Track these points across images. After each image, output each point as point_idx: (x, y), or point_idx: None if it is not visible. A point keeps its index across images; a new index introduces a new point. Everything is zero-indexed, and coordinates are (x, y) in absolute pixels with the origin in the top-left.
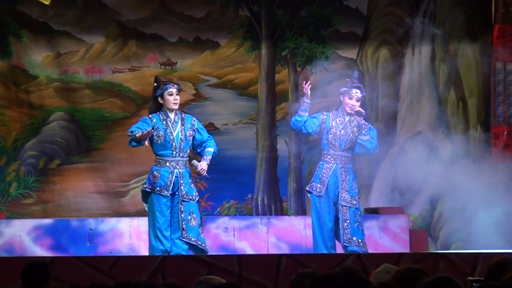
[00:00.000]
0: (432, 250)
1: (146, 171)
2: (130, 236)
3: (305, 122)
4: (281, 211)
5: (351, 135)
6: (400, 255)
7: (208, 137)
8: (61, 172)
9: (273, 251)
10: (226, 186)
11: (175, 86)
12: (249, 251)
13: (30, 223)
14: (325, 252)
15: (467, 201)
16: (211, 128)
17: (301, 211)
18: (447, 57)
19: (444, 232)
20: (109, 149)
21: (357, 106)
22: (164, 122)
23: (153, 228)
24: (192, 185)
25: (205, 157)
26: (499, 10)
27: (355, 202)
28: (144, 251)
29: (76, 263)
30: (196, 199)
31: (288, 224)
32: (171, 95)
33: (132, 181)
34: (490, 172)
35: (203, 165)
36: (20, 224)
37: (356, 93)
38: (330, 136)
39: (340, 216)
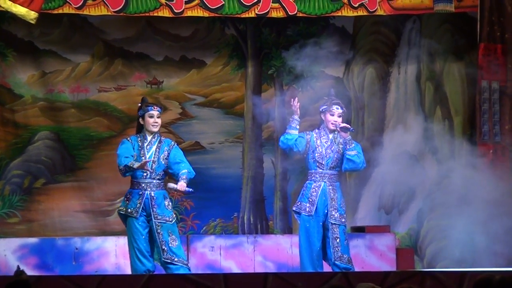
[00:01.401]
0: (419, 268)
1: None
2: (116, 255)
3: (295, 140)
4: (267, 230)
5: (337, 152)
6: (387, 274)
7: (183, 161)
8: (46, 191)
9: (259, 269)
10: (212, 205)
11: (157, 109)
12: (236, 270)
13: (15, 242)
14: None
15: (454, 219)
16: (197, 147)
17: (287, 229)
18: (433, 76)
19: (430, 250)
20: (94, 168)
21: (339, 122)
22: (140, 144)
23: (132, 250)
24: (169, 207)
25: (180, 178)
26: (484, 28)
27: (343, 220)
28: (130, 270)
29: (62, 282)
30: (173, 221)
31: (274, 243)
32: (151, 117)
33: (118, 200)
34: (477, 190)
35: (180, 184)
36: (5, 243)
37: (337, 109)
38: (316, 155)
39: (329, 234)
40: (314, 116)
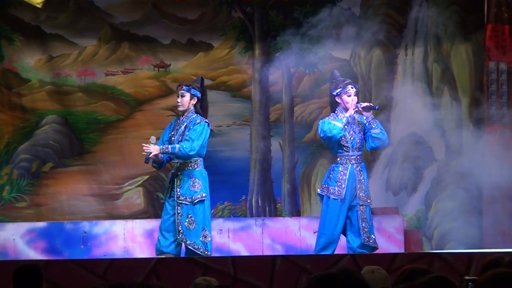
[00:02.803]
0: (427, 250)
1: (139, 173)
2: (124, 238)
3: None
4: (275, 213)
5: (359, 132)
6: (395, 255)
7: (191, 139)
8: (54, 175)
9: (267, 252)
10: (220, 188)
11: (183, 88)
12: (244, 252)
13: (23, 226)
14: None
15: (462, 200)
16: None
17: (295, 212)
18: (440, 57)
19: (438, 232)
20: (102, 152)
21: (356, 101)
22: (174, 124)
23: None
24: (194, 188)
25: (165, 146)
26: (492, 9)
27: (369, 200)
28: (139, 254)
29: (71, 266)
30: (196, 202)
31: (282, 225)
32: (177, 96)
33: (126, 184)
34: (484, 171)
35: (153, 148)
36: (13, 228)
37: (352, 88)
38: (341, 139)
39: (358, 215)
40: (322, 98)
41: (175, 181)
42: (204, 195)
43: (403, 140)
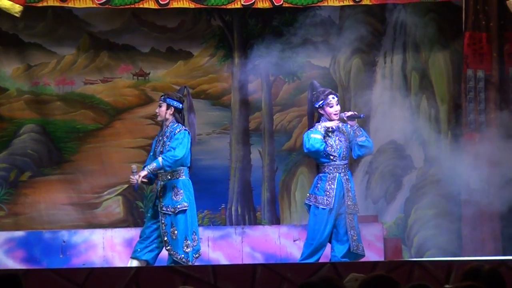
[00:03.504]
0: (407, 257)
1: (118, 182)
2: (103, 247)
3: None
4: (254, 221)
5: (344, 141)
6: (375, 264)
7: (173, 148)
8: (32, 185)
9: (247, 261)
10: (200, 196)
11: (160, 98)
12: (224, 261)
13: (2, 235)
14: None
15: (441, 208)
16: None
17: (275, 220)
18: (418, 65)
19: (418, 239)
20: (81, 161)
21: (339, 110)
22: (157, 137)
23: None
24: (177, 198)
25: (149, 166)
26: (470, 17)
27: (357, 208)
28: (118, 263)
29: (50, 275)
30: (178, 212)
31: (262, 233)
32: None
33: (105, 193)
34: (463, 179)
35: (140, 173)
36: None
37: (333, 98)
38: (328, 148)
39: (344, 223)
40: (301, 107)
41: (158, 191)
42: (185, 204)
43: (382, 148)
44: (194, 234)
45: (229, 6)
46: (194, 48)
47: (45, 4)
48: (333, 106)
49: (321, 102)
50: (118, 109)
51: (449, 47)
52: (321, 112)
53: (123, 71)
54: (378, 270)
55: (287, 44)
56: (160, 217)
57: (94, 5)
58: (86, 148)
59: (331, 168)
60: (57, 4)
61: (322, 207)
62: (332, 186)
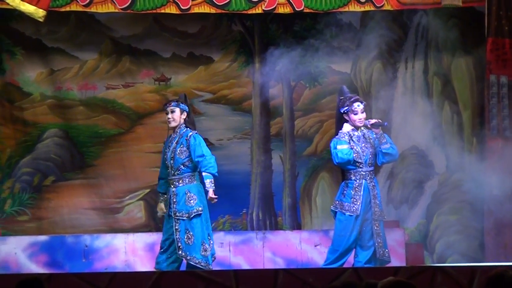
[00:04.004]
0: (429, 263)
1: (140, 187)
2: (125, 252)
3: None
4: (276, 226)
5: (370, 148)
6: (397, 269)
7: (200, 156)
8: (55, 189)
9: (268, 266)
10: (221, 201)
11: (172, 104)
12: (245, 266)
13: (25, 240)
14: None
15: (463, 213)
16: (206, 144)
17: (296, 225)
18: (441, 71)
19: (440, 245)
20: (103, 166)
21: (364, 118)
22: (167, 142)
23: None
24: (190, 203)
25: (206, 185)
26: (492, 23)
27: (383, 214)
28: (140, 267)
29: (73, 279)
30: (193, 216)
31: (283, 239)
32: (166, 114)
33: (127, 197)
34: (486, 185)
35: (209, 194)
36: (15, 241)
37: (358, 106)
38: (354, 155)
39: (369, 229)
40: (322, 112)
41: (172, 197)
42: (200, 209)
43: (403, 154)
44: (209, 237)
45: (250, 12)
46: (215, 53)
47: (68, 9)
48: (358, 114)
49: (346, 108)
50: (140, 114)
51: (472, 53)
52: (346, 117)
53: (144, 76)
54: (400, 275)
55: (308, 49)
56: (173, 223)
57: (116, 10)
58: (108, 152)
59: (357, 175)
60: (80, 9)
61: (349, 213)
62: (359, 192)
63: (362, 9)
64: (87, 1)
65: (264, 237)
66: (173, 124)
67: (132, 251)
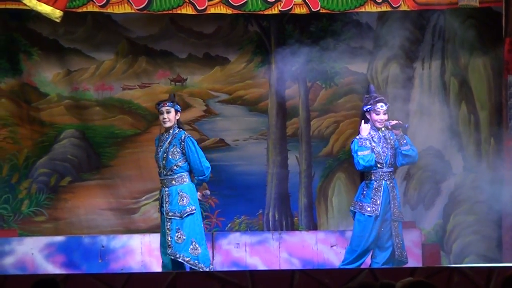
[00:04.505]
0: (445, 264)
1: (156, 187)
2: (141, 252)
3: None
4: (292, 227)
5: (391, 149)
6: (414, 270)
7: (195, 163)
8: (72, 190)
9: (284, 266)
10: (237, 202)
11: (167, 104)
12: (261, 266)
13: (42, 240)
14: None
15: (480, 214)
16: (222, 144)
17: (312, 226)
18: (458, 71)
19: (456, 246)
20: (119, 166)
21: (385, 119)
22: (158, 142)
23: None
24: (183, 202)
25: (197, 189)
26: (510, 23)
27: (402, 215)
28: (156, 268)
29: (90, 280)
30: (185, 216)
31: (299, 239)
32: (161, 114)
33: (143, 198)
34: (503, 185)
35: (198, 194)
36: (32, 242)
37: (381, 107)
38: (375, 156)
39: (391, 231)
40: (338, 112)
41: (164, 197)
42: (193, 208)
43: (420, 154)
44: (200, 240)
45: (266, 12)
46: (231, 54)
47: (84, 10)
48: (380, 114)
49: (369, 107)
50: (156, 115)
51: (489, 53)
52: (367, 116)
53: (161, 76)
54: (416, 276)
55: (324, 50)
56: (165, 223)
57: (133, 11)
58: (124, 153)
59: (377, 175)
60: (96, 9)
61: (368, 214)
62: (379, 193)
63: (379, 9)
64: (104, 2)
65: (280, 237)
66: (168, 124)
67: (148, 251)
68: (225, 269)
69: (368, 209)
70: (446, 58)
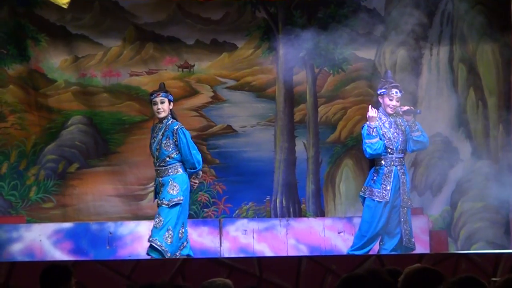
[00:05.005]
0: (453, 250)
1: None
2: None
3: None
4: (299, 213)
5: (402, 134)
6: (421, 256)
7: (186, 155)
8: (80, 176)
9: (292, 253)
10: (245, 189)
11: (161, 94)
12: (268, 253)
13: (50, 227)
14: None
15: (488, 201)
16: (229, 131)
17: (320, 212)
18: (466, 57)
19: (464, 232)
20: (127, 152)
21: (397, 106)
22: (152, 132)
23: None
24: (173, 191)
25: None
26: None
27: (410, 202)
28: None
29: (98, 267)
30: (171, 204)
31: (307, 226)
32: (154, 104)
33: (151, 184)
34: (511, 172)
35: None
36: (40, 228)
37: (396, 93)
38: (386, 141)
39: (397, 217)
40: (346, 99)
41: (158, 187)
42: (181, 198)
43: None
44: (182, 228)
45: None
46: (239, 40)
47: None
48: (393, 100)
49: (383, 91)
50: None
51: (497, 40)
52: (380, 100)
53: (168, 63)
54: (423, 262)
55: (332, 36)
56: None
57: None
58: (132, 139)
59: (388, 161)
60: None
61: (378, 200)
62: (389, 179)
63: None
64: None
65: (288, 224)
66: (162, 114)
67: None
68: (233, 255)
69: (378, 194)
70: (455, 44)
